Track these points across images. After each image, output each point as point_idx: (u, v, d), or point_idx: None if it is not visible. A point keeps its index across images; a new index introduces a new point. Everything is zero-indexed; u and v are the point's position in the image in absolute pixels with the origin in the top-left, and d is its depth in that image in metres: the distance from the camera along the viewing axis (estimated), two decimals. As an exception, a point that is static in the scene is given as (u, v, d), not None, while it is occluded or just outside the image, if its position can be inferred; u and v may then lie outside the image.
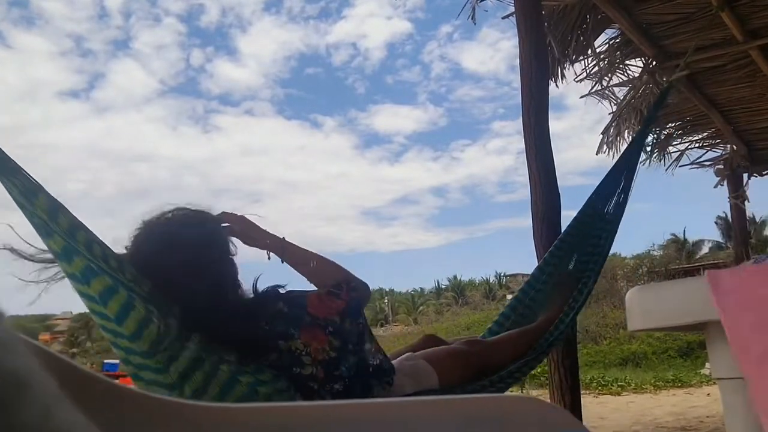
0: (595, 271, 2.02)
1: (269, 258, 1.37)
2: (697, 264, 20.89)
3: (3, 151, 1.04)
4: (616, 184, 2.27)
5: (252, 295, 1.31)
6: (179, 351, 1.13)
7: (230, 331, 1.21)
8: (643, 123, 2.63)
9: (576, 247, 2.14)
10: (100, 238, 1.12)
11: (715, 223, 25.26)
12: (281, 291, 1.31)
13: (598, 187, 2.27)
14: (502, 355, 1.64)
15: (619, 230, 2.19)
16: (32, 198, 1.06)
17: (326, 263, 1.40)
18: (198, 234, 1.26)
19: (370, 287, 1.44)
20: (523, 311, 2.01)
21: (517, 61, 2.99)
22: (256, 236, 1.37)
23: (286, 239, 1.40)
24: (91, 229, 1.12)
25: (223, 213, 1.36)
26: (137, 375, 1.16)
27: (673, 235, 25.11)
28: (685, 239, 25.12)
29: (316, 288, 1.34)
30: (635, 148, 2.56)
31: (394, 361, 1.44)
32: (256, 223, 1.38)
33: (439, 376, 1.43)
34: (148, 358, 1.12)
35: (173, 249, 1.21)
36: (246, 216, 1.39)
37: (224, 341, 1.19)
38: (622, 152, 2.65)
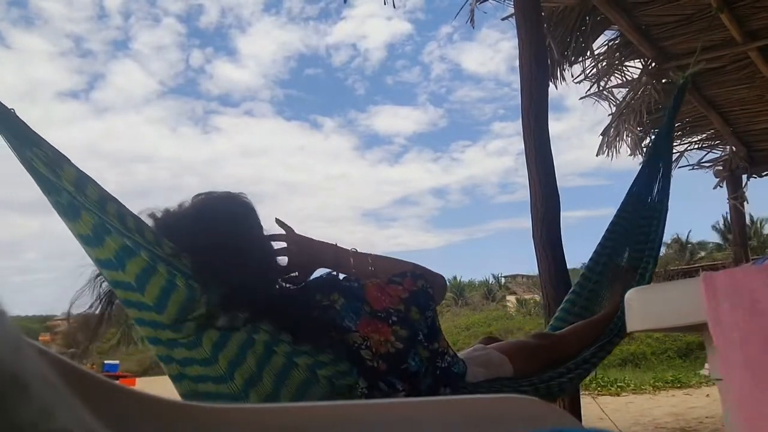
0: (653, 256, 2.04)
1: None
2: (696, 265, 20.90)
3: (24, 123, 0.97)
4: (654, 172, 2.32)
5: (302, 285, 1.21)
6: (227, 334, 1.03)
7: (279, 311, 1.10)
8: (667, 116, 2.67)
9: (626, 237, 2.16)
10: (132, 210, 1.02)
11: (713, 227, 25.30)
12: (336, 279, 1.20)
13: (636, 178, 2.32)
14: (570, 347, 1.65)
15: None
16: (58, 170, 0.97)
17: (387, 264, 1.29)
18: (230, 209, 1.19)
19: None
20: (583, 304, 2.01)
21: (517, 62, 3.00)
22: (314, 253, 1.24)
23: (338, 245, 1.27)
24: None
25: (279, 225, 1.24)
26: (182, 374, 1.07)
27: (676, 235, 25.14)
28: (687, 240, 25.15)
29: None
30: (664, 139, 2.56)
31: (463, 353, 1.44)
32: (308, 237, 1.25)
33: (512, 365, 1.42)
34: (193, 349, 1.03)
35: (204, 223, 1.13)
36: (293, 230, 1.24)
37: (273, 321, 1.07)
38: (651, 143, 2.67)
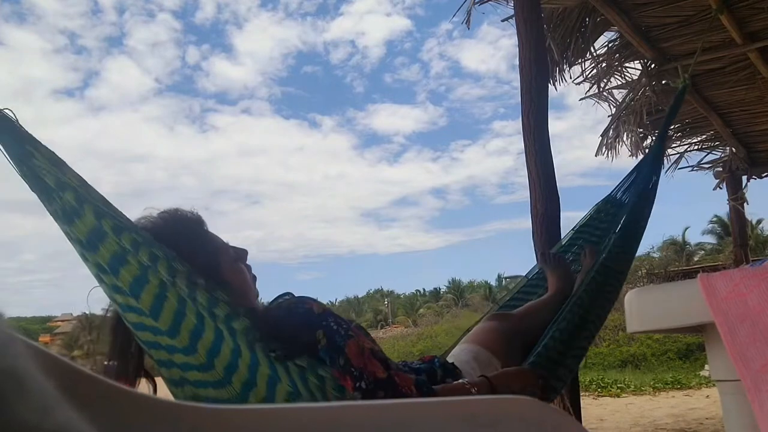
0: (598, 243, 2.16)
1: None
2: (696, 266, 20.87)
3: (21, 127, 1.01)
4: (630, 178, 2.42)
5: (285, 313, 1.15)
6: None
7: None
8: (662, 126, 2.75)
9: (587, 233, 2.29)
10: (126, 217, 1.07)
11: (709, 230, 25.32)
12: (323, 317, 1.12)
13: (630, 181, 2.42)
14: (534, 322, 1.73)
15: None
16: (61, 175, 1.01)
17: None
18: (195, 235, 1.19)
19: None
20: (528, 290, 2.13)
21: (518, 60, 3.00)
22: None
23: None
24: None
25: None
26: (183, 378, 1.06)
27: (675, 236, 25.16)
28: (685, 241, 25.16)
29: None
30: (657, 149, 2.62)
31: (457, 357, 1.50)
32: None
33: (498, 359, 1.51)
34: (190, 355, 1.02)
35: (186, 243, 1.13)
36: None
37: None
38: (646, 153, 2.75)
